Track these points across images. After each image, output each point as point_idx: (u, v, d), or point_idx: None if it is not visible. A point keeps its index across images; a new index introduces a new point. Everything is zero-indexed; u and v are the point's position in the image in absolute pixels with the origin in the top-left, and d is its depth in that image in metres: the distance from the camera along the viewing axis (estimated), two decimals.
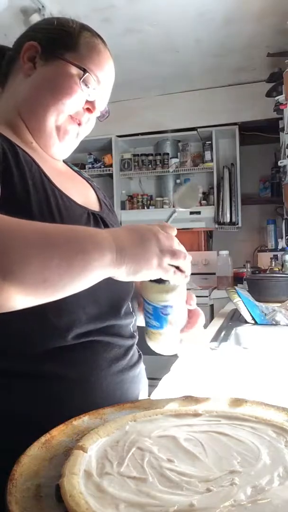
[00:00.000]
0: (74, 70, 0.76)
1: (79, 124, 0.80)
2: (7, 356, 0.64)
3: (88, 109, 0.79)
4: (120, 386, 0.71)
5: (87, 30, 0.82)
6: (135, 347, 0.80)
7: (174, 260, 0.59)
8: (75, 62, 0.76)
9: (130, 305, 0.79)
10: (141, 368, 0.80)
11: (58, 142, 0.78)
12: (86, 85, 0.77)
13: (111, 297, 0.72)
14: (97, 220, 0.78)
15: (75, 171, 0.91)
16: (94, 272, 0.54)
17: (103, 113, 0.86)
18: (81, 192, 0.83)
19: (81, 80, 0.76)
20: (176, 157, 3.63)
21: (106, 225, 0.79)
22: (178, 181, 3.65)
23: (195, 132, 3.48)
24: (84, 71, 0.76)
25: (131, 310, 0.79)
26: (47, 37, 0.78)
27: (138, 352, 0.82)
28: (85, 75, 0.76)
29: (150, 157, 3.66)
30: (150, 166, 3.64)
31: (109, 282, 0.58)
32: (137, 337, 0.81)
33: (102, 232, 0.58)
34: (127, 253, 0.55)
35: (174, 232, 0.63)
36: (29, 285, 0.49)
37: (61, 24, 0.80)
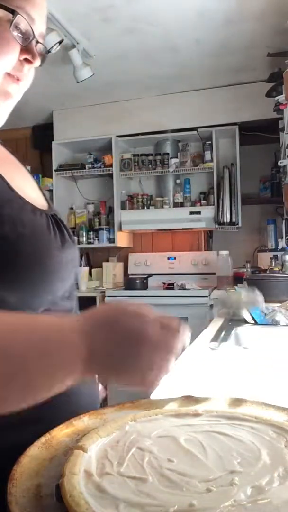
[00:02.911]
0: (1, 14, 0.59)
1: (18, 80, 0.63)
2: None
3: (27, 60, 0.62)
4: None
5: None
6: None
7: (162, 375, 0.46)
8: (1, 3, 0.59)
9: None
10: None
11: None
12: (18, 29, 0.60)
13: None
14: (58, 222, 0.68)
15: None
16: (60, 388, 0.44)
17: (41, 54, 0.66)
18: (31, 185, 0.71)
19: (11, 25, 0.59)
20: (176, 157, 3.63)
21: (59, 226, 0.68)
22: (178, 181, 3.65)
23: (195, 132, 3.48)
24: (13, 12, 0.59)
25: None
26: None
27: None
28: (16, 18, 0.59)
29: (150, 157, 3.66)
30: (150, 166, 3.64)
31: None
32: None
33: (73, 337, 0.43)
34: (99, 363, 0.43)
35: (185, 334, 0.47)
36: None
37: None
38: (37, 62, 0.63)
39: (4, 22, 0.59)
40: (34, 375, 0.42)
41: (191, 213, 3.46)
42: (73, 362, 0.42)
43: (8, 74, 0.62)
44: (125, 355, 0.43)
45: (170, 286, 3.28)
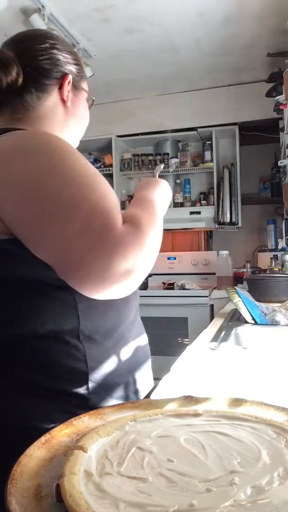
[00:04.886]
0: (87, 97, 0.92)
1: None
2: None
3: None
4: None
5: (78, 53, 0.94)
6: None
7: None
8: (87, 91, 0.92)
9: None
10: None
11: None
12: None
13: None
14: None
15: None
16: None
17: None
18: None
19: (90, 107, 0.95)
20: (176, 157, 3.63)
21: None
22: (178, 181, 3.65)
23: (195, 132, 3.48)
24: (93, 99, 0.95)
25: None
26: (74, 69, 0.88)
27: None
28: (93, 99, 0.95)
29: (150, 157, 3.66)
30: (150, 166, 3.64)
31: None
32: None
33: (153, 203, 0.78)
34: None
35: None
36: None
37: (75, 53, 0.89)
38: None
39: (85, 103, 0.92)
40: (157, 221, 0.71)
41: (191, 213, 3.46)
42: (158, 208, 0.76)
43: None
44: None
45: (170, 286, 3.28)
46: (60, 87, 0.85)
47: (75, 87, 0.88)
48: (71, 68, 0.86)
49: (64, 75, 0.85)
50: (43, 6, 2.28)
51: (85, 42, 2.69)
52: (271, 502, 0.39)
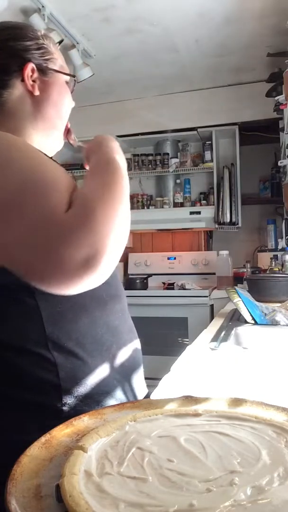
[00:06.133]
0: (65, 77, 0.86)
1: None
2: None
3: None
4: None
5: (47, 34, 0.87)
6: None
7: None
8: (63, 71, 0.86)
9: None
10: None
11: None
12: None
13: None
14: None
15: None
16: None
17: None
18: None
19: (74, 85, 0.89)
20: (176, 157, 3.63)
21: None
22: (178, 181, 3.65)
23: (195, 132, 3.48)
24: (74, 76, 0.88)
25: None
26: (37, 54, 0.82)
27: None
28: (75, 80, 0.88)
29: (150, 157, 3.66)
30: (150, 166, 3.64)
31: None
32: None
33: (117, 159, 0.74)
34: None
35: None
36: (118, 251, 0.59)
37: (36, 37, 0.84)
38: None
39: (67, 84, 0.87)
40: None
41: (191, 213, 3.46)
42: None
43: None
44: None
45: (170, 286, 3.28)
46: (23, 79, 0.80)
47: (43, 72, 0.82)
48: (33, 54, 0.81)
49: (23, 66, 0.80)
50: (43, 6, 2.28)
51: (85, 42, 2.69)
52: (271, 502, 0.39)
